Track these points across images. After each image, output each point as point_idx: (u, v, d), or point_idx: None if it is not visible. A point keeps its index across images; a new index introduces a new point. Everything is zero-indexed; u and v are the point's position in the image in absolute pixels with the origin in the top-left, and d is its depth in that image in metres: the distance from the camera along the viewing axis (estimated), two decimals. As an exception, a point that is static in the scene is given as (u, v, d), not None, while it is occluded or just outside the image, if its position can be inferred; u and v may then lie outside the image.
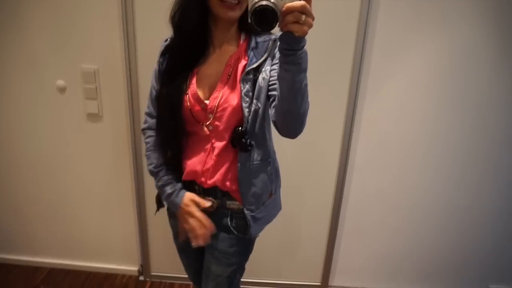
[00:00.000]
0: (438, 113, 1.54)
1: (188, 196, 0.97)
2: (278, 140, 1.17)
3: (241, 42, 0.92)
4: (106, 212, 1.75)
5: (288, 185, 1.62)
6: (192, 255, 1.14)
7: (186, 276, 1.82)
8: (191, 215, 0.95)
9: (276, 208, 1.10)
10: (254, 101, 0.87)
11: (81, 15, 1.42)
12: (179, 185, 0.99)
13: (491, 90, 1.49)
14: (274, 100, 0.83)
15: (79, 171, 1.68)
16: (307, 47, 0.74)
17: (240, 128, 0.90)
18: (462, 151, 1.59)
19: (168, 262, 1.81)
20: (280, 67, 0.76)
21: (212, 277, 1.05)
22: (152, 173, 1.00)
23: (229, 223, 0.99)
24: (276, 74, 0.82)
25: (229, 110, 0.88)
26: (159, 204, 1.11)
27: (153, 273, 1.84)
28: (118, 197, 1.72)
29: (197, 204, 0.96)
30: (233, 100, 0.88)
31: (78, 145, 1.63)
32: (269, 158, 0.99)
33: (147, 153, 1.00)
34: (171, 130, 0.94)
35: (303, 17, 0.66)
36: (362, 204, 1.69)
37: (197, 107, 0.90)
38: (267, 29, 0.69)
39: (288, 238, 1.76)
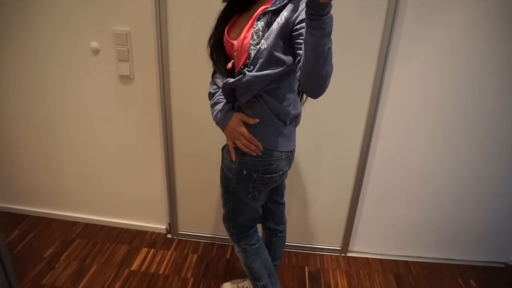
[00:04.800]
0: (470, 82, 1.50)
1: (237, 116, 1.07)
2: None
3: None
4: (137, 172, 1.85)
5: (312, 148, 1.66)
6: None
7: (212, 235, 1.93)
8: (242, 134, 1.06)
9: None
10: (262, 41, 0.93)
11: (113, -24, 1.45)
12: (229, 105, 1.09)
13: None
14: (299, 60, 0.88)
15: (112, 132, 1.76)
16: (335, 8, 0.76)
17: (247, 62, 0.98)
18: (491, 119, 1.56)
19: (194, 222, 1.91)
20: (306, 30, 0.80)
21: None
22: (209, 94, 1.15)
23: (221, 150, 1.22)
24: (303, 34, 0.86)
25: (240, 45, 0.98)
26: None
27: (180, 231, 1.94)
28: (148, 157, 1.80)
29: (245, 122, 1.07)
30: (243, 36, 0.97)
31: (111, 106, 1.70)
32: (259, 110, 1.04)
33: (212, 79, 1.16)
34: (219, 64, 1.10)
35: None
36: (385, 171, 1.70)
37: (228, 46, 1.06)
38: None
39: (311, 201, 1.80)
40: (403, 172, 1.70)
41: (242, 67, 0.99)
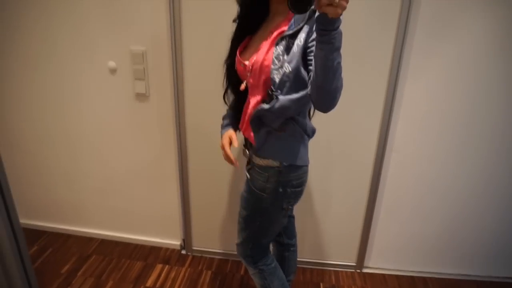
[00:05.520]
0: (484, 95, 1.49)
1: (228, 132, 1.19)
2: (317, 116, 1.20)
3: (290, 12, 0.97)
4: (152, 188, 1.87)
5: (325, 162, 1.65)
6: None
7: (226, 251, 1.92)
8: (222, 147, 1.17)
9: (286, 149, 1.09)
10: (286, 64, 0.94)
11: (130, -1, 1.51)
12: (229, 123, 1.20)
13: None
14: (310, 75, 0.90)
15: (127, 148, 1.80)
16: (348, 24, 0.77)
17: (271, 87, 0.98)
18: (507, 133, 1.54)
19: (209, 238, 1.91)
20: (316, 45, 0.82)
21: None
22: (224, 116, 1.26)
23: (247, 171, 1.18)
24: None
25: (256, 66, 0.98)
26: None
27: (194, 248, 1.94)
28: (162, 174, 1.82)
29: (231, 140, 1.16)
30: (261, 58, 0.98)
31: (127, 124, 1.74)
32: (289, 130, 1.06)
33: (224, 100, 1.22)
34: (231, 85, 1.15)
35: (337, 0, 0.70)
36: (400, 185, 1.68)
37: (240, 67, 1.07)
38: (301, 11, 0.76)
39: (324, 216, 1.78)
40: (417, 186, 1.68)
41: (270, 92, 0.99)
